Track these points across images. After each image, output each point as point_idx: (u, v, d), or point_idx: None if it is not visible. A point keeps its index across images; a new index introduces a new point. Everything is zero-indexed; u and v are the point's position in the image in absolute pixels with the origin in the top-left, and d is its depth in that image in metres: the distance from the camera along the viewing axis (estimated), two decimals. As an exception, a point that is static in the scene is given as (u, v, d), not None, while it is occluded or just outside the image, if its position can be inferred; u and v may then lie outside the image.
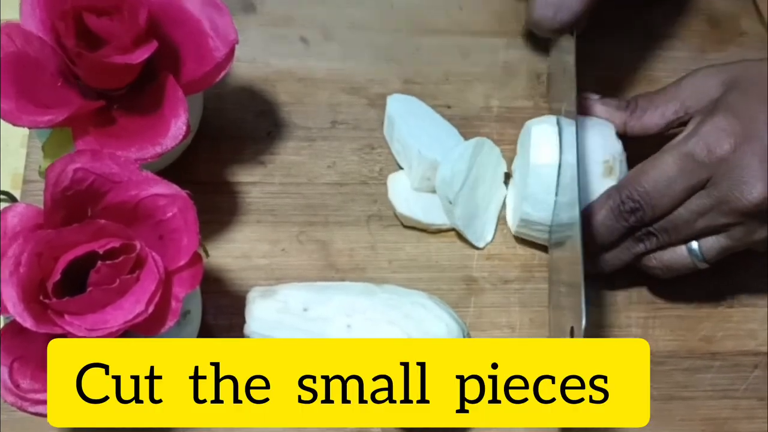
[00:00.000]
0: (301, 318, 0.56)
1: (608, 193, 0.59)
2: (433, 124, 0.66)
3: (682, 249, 0.59)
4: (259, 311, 0.57)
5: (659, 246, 0.59)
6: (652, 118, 0.62)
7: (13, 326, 0.48)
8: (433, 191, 0.64)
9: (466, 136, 0.66)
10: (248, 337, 0.58)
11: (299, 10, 0.71)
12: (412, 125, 0.64)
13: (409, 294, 0.58)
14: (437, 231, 0.64)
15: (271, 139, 0.67)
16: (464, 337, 0.56)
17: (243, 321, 0.58)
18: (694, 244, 0.59)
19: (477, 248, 0.64)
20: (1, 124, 0.52)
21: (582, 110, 0.64)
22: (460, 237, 0.64)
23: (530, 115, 0.68)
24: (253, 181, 0.65)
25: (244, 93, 0.68)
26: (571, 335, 0.54)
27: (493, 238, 0.65)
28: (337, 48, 0.70)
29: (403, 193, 0.64)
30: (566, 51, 0.64)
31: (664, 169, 0.57)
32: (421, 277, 0.63)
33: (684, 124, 0.61)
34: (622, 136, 0.63)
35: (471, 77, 0.70)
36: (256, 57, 0.69)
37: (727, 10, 0.76)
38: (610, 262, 0.61)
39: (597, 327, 0.63)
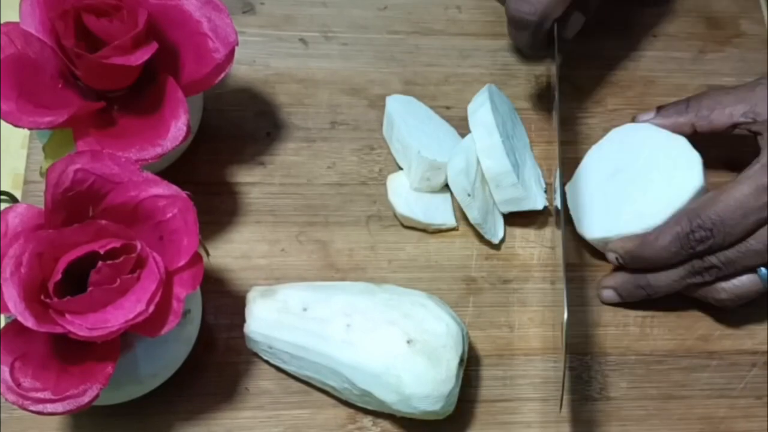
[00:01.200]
0: (300, 317, 0.57)
1: (677, 219, 0.59)
2: (431, 124, 0.66)
3: (753, 277, 0.59)
4: (259, 311, 0.58)
5: (718, 278, 0.59)
6: (721, 117, 0.62)
7: (14, 325, 0.48)
8: (433, 191, 0.64)
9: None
10: (248, 336, 0.58)
11: (299, 11, 0.72)
12: (411, 125, 0.64)
13: (408, 294, 0.58)
14: (437, 231, 0.65)
15: (270, 139, 0.67)
16: (463, 336, 0.56)
17: (243, 320, 0.58)
18: (763, 270, 0.59)
19: (493, 244, 0.65)
20: (2, 124, 0.52)
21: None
22: (460, 237, 0.65)
23: (529, 117, 0.69)
24: (252, 182, 0.65)
25: (244, 94, 0.68)
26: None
27: (505, 234, 0.65)
28: (337, 49, 0.71)
29: (403, 194, 0.64)
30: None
31: (740, 199, 0.57)
32: (421, 277, 0.63)
33: (750, 132, 0.61)
34: (688, 136, 0.63)
35: (470, 78, 0.71)
36: (256, 58, 0.69)
37: (726, 10, 0.76)
38: (660, 288, 0.61)
39: (594, 326, 0.63)
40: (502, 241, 0.65)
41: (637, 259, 0.60)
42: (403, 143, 0.64)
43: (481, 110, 0.62)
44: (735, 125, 0.61)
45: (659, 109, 0.65)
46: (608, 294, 0.63)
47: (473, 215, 0.62)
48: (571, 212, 0.64)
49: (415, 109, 0.67)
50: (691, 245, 0.58)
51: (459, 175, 0.61)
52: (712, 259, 0.58)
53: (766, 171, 0.57)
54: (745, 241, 0.57)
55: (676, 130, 0.63)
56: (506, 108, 0.66)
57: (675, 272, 0.60)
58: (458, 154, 0.62)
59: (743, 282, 0.59)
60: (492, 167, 0.62)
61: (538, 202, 0.63)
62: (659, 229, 0.59)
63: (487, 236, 0.64)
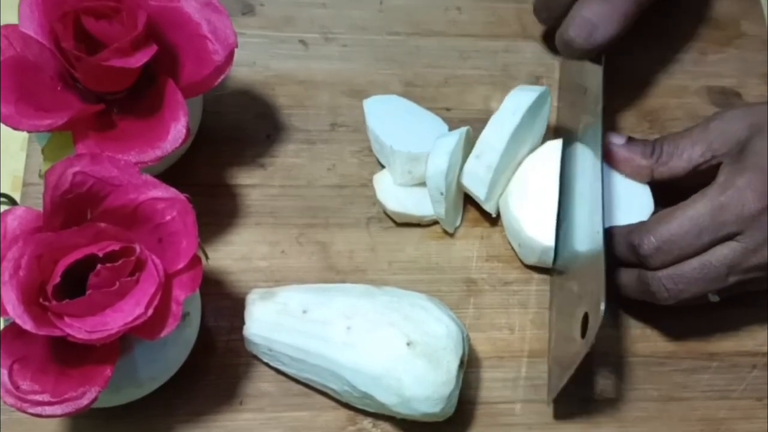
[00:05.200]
0: (300, 320, 0.56)
1: (631, 229, 0.59)
2: (413, 118, 0.66)
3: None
4: (259, 313, 0.58)
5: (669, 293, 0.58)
6: (679, 162, 0.61)
7: (13, 328, 0.48)
8: (417, 184, 0.64)
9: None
10: (248, 338, 0.58)
11: (299, 12, 0.72)
12: (386, 123, 0.64)
13: (408, 296, 0.58)
14: (431, 223, 0.65)
15: (270, 141, 0.67)
16: (464, 338, 0.56)
17: (243, 323, 0.58)
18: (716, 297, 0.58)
19: (449, 234, 0.65)
20: (1, 127, 0.52)
21: (605, 155, 0.63)
22: (460, 238, 0.65)
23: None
24: (252, 184, 0.65)
25: (244, 96, 0.68)
26: (584, 322, 0.54)
27: (461, 222, 0.66)
28: (337, 50, 0.71)
29: (391, 191, 0.64)
30: (590, 73, 0.64)
31: (695, 218, 0.56)
32: (421, 279, 0.63)
33: (711, 167, 0.60)
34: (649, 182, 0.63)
35: (471, 80, 0.71)
36: (256, 60, 0.69)
37: (727, 11, 0.76)
38: (620, 282, 0.61)
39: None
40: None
41: None
42: (378, 141, 0.64)
43: (526, 94, 0.63)
44: (695, 167, 0.61)
45: (630, 139, 0.64)
46: None
47: (438, 211, 0.63)
48: (512, 214, 0.63)
49: (393, 106, 0.67)
50: (638, 258, 0.58)
51: (437, 175, 0.61)
52: (659, 274, 0.58)
53: (725, 192, 0.56)
54: (700, 257, 0.57)
55: (635, 172, 0.63)
56: (540, 121, 0.65)
57: (626, 274, 0.60)
58: (441, 154, 0.61)
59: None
60: (489, 138, 0.62)
61: (491, 205, 0.64)
62: (616, 230, 0.60)
63: (444, 226, 0.64)
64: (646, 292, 0.59)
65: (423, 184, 0.63)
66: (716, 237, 0.56)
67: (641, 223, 0.59)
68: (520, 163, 0.64)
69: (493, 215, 0.65)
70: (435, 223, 0.65)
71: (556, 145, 0.64)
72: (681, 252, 0.57)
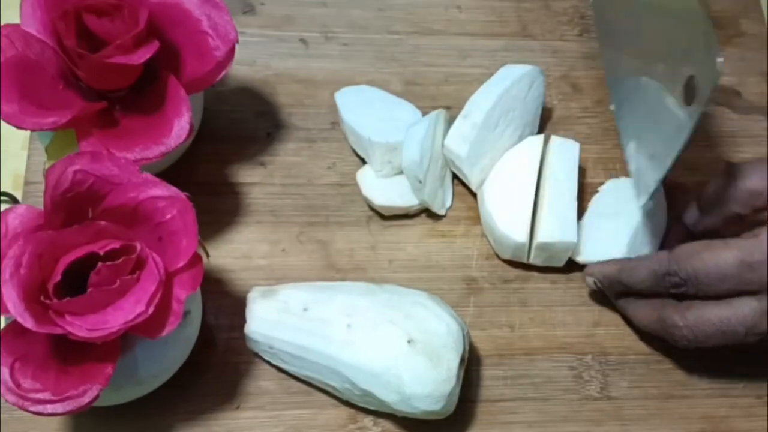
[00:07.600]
0: (301, 318, 0.57)
1: (657, 256, 0.58)
2: (386, 106, 0.66)
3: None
4: (260, 311, 0.58)
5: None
6: (715, 220, 0.61)
7: (14, 326, 0.48)
8: (398, 173, 0.64)
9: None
10: (249, 336, 0.58)
11: (299, 11, 0.72)
12: (359, 114, 0.65)
13: (409, 294, 0.58)
14: (419, 211, 0.65)
15: (271, 140, 0.67)
16: (464, 336, 0.56)
17: (244, 321, 0.58)
18: None
19: (440, 216, 0.65)
20: (2, 125, 0.52)
21: None
22: (460, 237, 0.65)
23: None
24: (253, 182, 0.65)
25: (244, 94, 0.68)
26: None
27: (452, 202, 0.66)
28: (337, 49, 0.71)
29: (375, 185, 0.64)
30: None
31: (721, 265, 0.55)
32: (421, 277, 0.63)
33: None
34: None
35: (470, 78, 0.70)
36: (256, 58, 0.69)
37: (726, 10, 0.76)
38: (638, 317, 0.60)
39: (595, 325, 0.63)
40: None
41: (615, 283, 0.60)
42: (355, 134, 0.64)
43: (518, 66, 0.65)
44: (729, 218, 0.60)
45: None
46: (589, 281, 0.62)
47: (421, 198, 0.63)
48: (486, 209, 0.63)
49: (366, 96, 0.67)
50: (665, 285, 0.57)
51: (412, 165, 0.62)
52: (680, 323, 0.57)
53: (755, 249, 0.55)
54: (721, 309, 0.56)
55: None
56: (532, 103, 0.66)
57: (646, 310, 0.60)
58: (413, 143, 0.62)
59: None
60: (477, 99, 0.64)
61: (473, 174, 0.63)
62: (638, 260, 0.59)
63: (435, 210, 0.64)
64: (667, 335, 0.58)
65: (403, 172, 0.64)
66: (738, 289, 0.55)
67: (669, 251, 0.58)
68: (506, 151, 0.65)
69: (474, 189, 0.65)
70: (423, 211, 0.65)
71: (536, 142, 0.64)
72: (700, 292, 0.56)
